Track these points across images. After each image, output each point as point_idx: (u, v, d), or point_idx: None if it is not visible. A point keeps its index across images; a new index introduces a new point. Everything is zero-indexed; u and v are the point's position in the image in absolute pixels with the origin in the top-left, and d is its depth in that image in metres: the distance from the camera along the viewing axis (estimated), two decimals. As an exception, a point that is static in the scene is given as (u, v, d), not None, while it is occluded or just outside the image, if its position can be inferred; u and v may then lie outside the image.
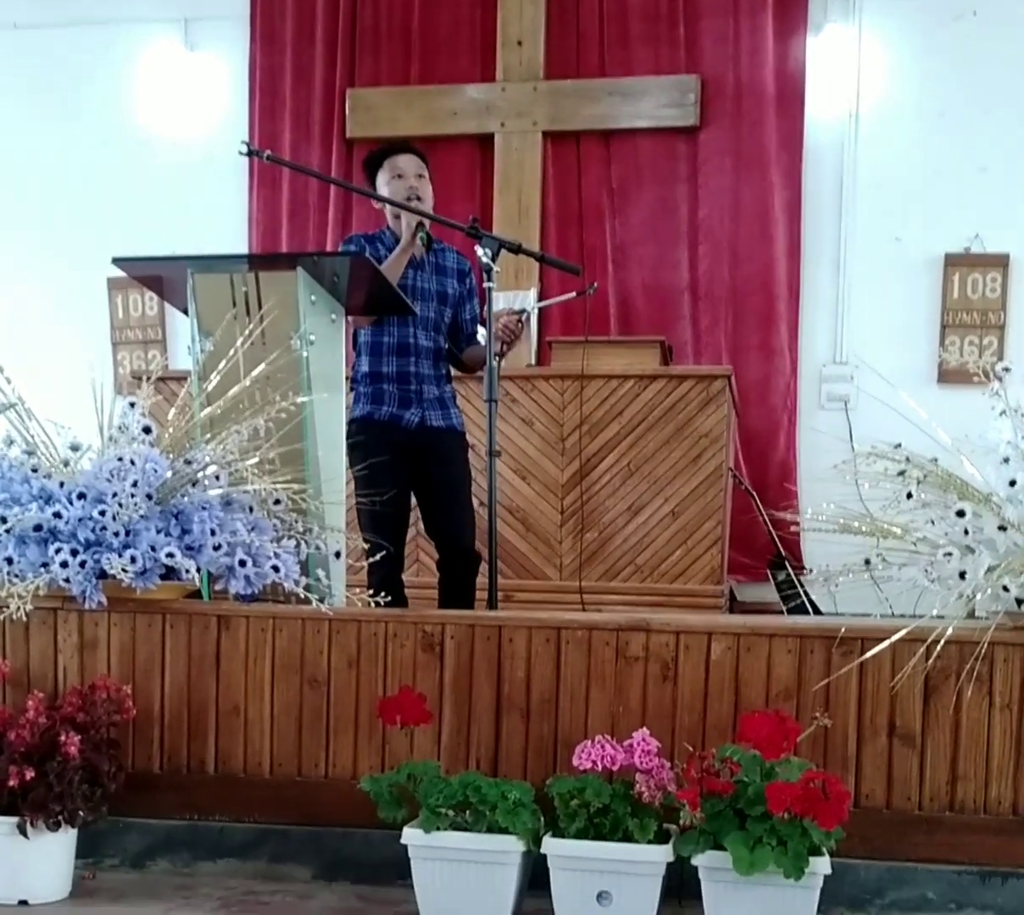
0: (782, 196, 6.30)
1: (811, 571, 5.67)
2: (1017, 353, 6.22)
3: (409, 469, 3.92)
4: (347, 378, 3.93)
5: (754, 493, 5.89)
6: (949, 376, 6.25)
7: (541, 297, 6.15)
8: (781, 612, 5.53)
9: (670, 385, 5.24)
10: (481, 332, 4.14)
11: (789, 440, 6.35)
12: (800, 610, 5.33)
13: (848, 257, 6.37)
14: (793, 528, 5.10)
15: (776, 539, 5.76)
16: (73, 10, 6.72)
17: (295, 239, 6.72)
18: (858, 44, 6.34)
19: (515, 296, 6.08)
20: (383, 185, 4.00)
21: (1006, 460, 2.72)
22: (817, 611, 5.24)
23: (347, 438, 3.80)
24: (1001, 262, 6.24)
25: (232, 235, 6.74)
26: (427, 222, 3.90)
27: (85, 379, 6.64)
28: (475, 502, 4.10)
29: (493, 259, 3.74)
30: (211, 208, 6.74)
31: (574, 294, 5.37)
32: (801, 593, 5.63)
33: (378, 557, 3.48)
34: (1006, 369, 2.78)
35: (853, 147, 6.37)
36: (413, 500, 4.04)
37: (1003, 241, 6.22)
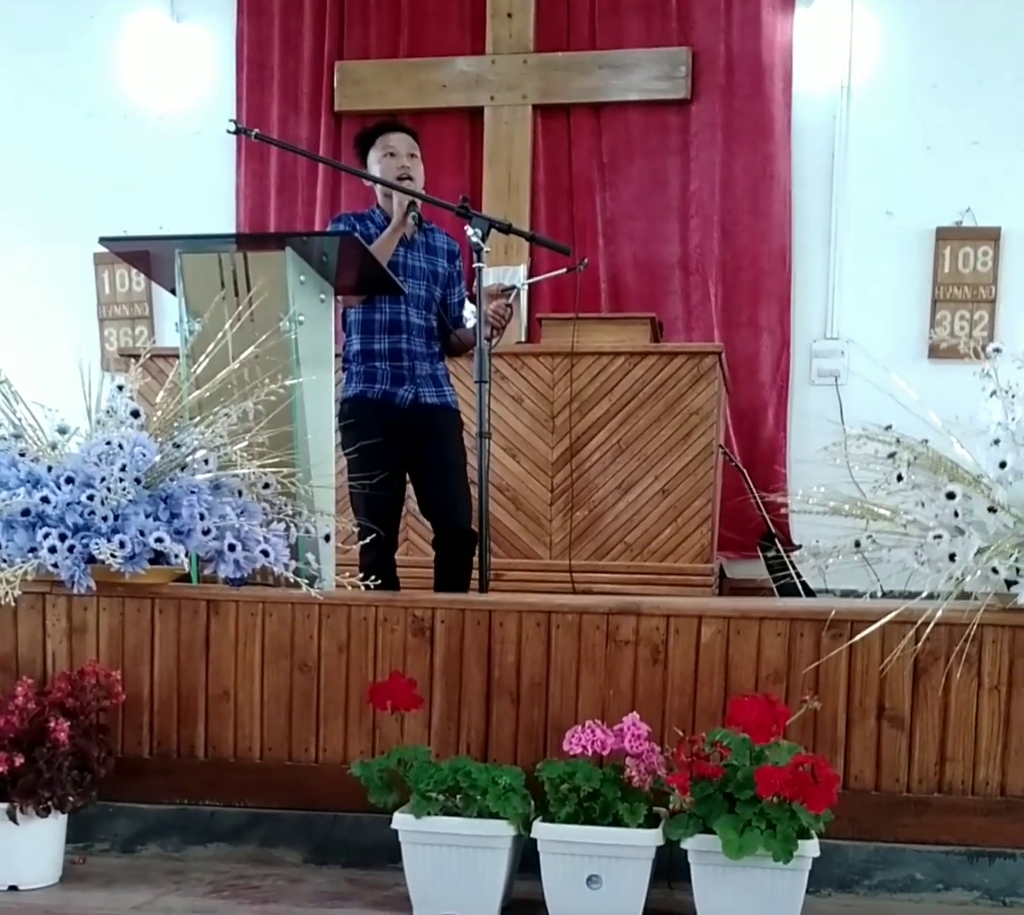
0: (773, 169, 6.25)
1: (800, 548, 5.72)
2: (1008, 328, 6.20)
3: (403, 448, 3.90)
4: (338, 356, 3.95)
5: (744, 470, 5.90)
6: (940, 351, 6.25)
7: (531, 273, 6.11)
8: (771, 590, 5.55)
9: (661, 362, 5.22)
10: (468, 316, 4.11)
11: (779, 416, 6.33)
12: (790, 588, 5.35)
13: (839, 231, 6.33)
14: (783, 510, 5.12)
15: (766, 517, 5.76)
16: (58, -18, 6.65)
17: (283, 214, 6.67)
18: (850, 15, 6.27)
19: (505, 272, 6.04)
20: (374, 163, 3.97)
21: (996, 441, 2.71)
22: (807, 589, 5.25)
23: (340, 418, 3.84)
24: (992, 236, 6.21)
25: (219, 210, 6.69)
26: (419, 202, 3.86)
27: (72, 356, 6.63)
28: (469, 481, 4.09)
29: (483, 239, 3.72)
30: (198, 182, 6.68)
31: (564, 270, 5.35)
32: (791, 571, 5.65)
33: (369, 539, 3.50)
34: (997, 350, 2.77)
35: (844, 120, 6.31)
36: (407, 479, 4.03)
37: (995, 215, 6.18)
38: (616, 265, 6.41)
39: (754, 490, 5.92)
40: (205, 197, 6.69)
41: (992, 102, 6.15)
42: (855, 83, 6.30)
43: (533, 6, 6.36)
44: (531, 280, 5.82)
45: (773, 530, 5.76)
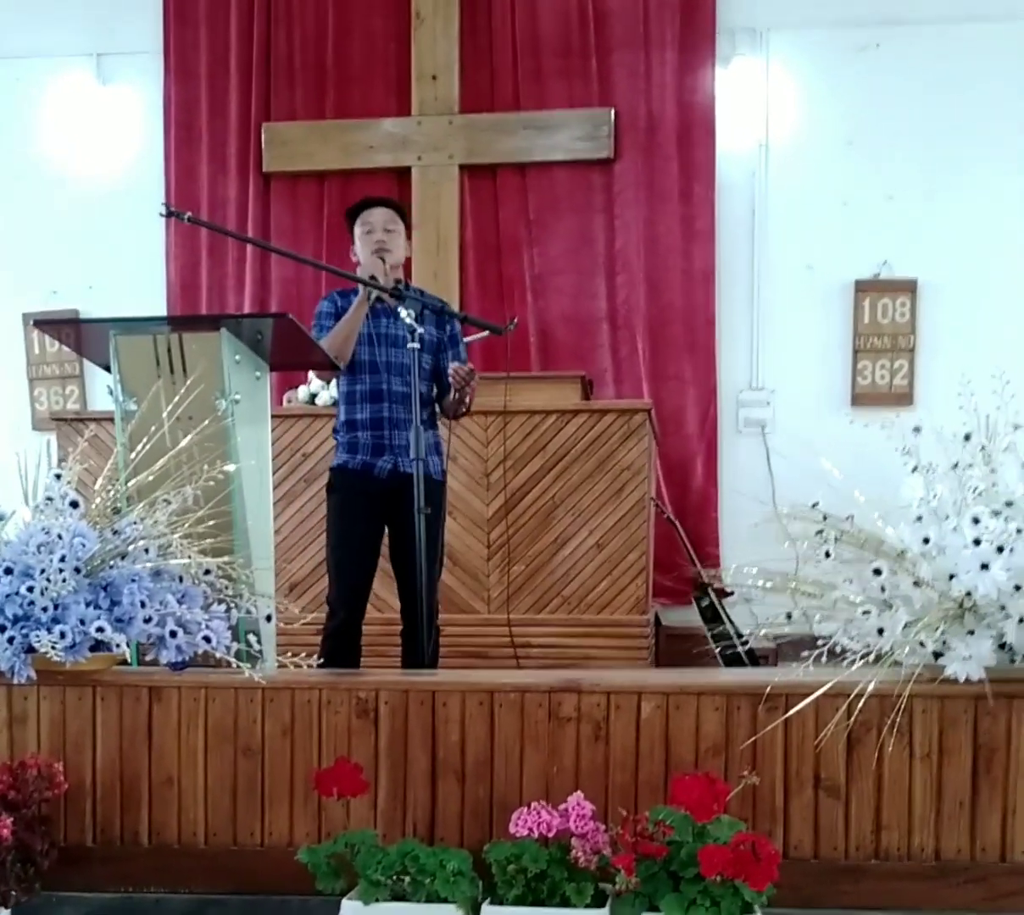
0: (696, 226, 6.42)
1: (732, 594, 5.83)
2: (926, 375, 6.41)
3: (381, 518, 3.97)
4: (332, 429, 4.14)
5: (676, 522, 6.00)
6: (862, 399, 6.43)
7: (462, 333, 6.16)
8: (705, 637, 5.63)
9: (591, 419, 5.32)
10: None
11: (709, 466, 6.47)
12: (724, 635, 5.43)
13: (761, 285, 6.50)
14: (717, 585, 5.21)
15: (698, 567, 5.86)
16: (-18, 44, 6.65)
17: (214, 273, 6.71)
18: (766, 76, 6.48)
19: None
20: (358, 237, 4.10)
21: (919, 518, 2.81)
22: (739, 635, 5.34)
23: (327, 486, 4.07)
24: (909, 287, 6.41)
25: (149, 269, 6.72)
26: (381, 279, 3.94)
27: (1, 417, 6.57)
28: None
29: (417, 319, 3.78)
30: (128, 243, 6.70)
31: (487, 334, 5.42)
32: (724, 618, 5.75)
33: (335, 605, 3.61)
34: (917, 429, 2.87)
35: (763, 177, 6.50)
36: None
37: (910, 266, 6.40)
38: (545, 320, 6.52)
39: (686, 541, 6.03)
40: (135, 257, 6.72)
41: (905, 158, 6.38)
42: (773, 141, 6.50)
43: (457, 68, 6.48)
44: (465, 339, 5.87)
45: (705, 578, 5.86)
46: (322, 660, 3.82)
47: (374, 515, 3.97)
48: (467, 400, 4.05)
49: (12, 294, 6.74)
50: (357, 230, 4.10)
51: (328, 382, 5.58)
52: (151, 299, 6.67)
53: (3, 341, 6.83)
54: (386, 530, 4.06)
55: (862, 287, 6.43)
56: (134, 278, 6.70)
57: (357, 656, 3.95)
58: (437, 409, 4.20)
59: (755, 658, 5.12)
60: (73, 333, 3.79)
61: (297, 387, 5.80)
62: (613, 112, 6.42)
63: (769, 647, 5.05)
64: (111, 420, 5.02)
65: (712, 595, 5.81)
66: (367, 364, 4.02)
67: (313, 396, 5.68)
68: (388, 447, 4.00)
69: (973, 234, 6.27)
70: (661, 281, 6.44)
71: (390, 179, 6.60)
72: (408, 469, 3.89)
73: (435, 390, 4.15)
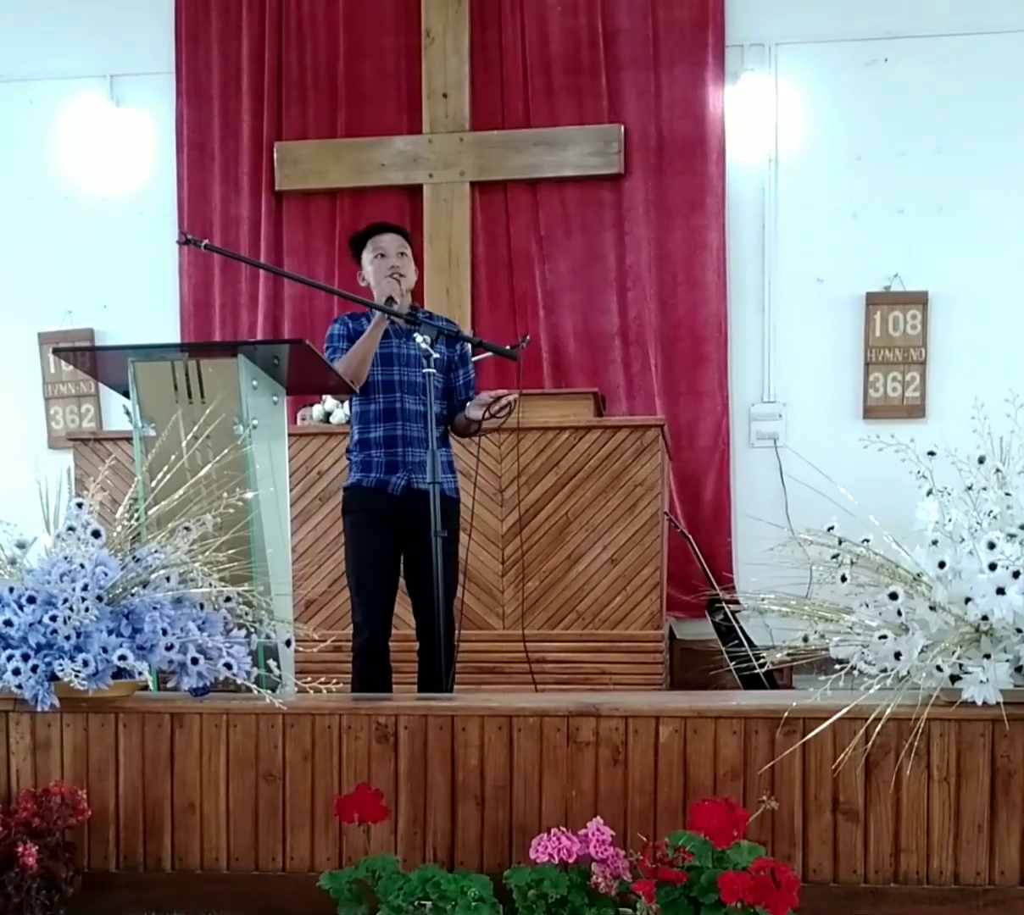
0: (707, 241, 6.43)
1: (744, 609, 5.84)
2: (938, 387, 6.42)
3: (396, 535, 3.99)
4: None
5: (690, 536, 6.01)
6: (874, 411, 6.44)
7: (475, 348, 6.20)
8: (719, 651, 5.64)
9: (605, 435, 5.34)
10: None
11: (721, 480, 6.48)
12: (739, 654, 5.43)
13: (772, 299, 6.52)
14: (733, 607, 5.22)
15: (712, 581, 5.87)
16: (-4, 68, 6.72)
17: (227, 291, 6.74)
18: (775, 91, 6.49)
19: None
20: (367, 264, 4.12)
21: (935, 542, 2.82)
22: (752, 646, 5.35)
23: (343, 505, 4.10)
24: (920, 300, 6.42)
25: (163, 289, 6.76)
26: (398, 301, 3.98)
27: (17, 436, 6.63)
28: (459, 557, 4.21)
29: (432, 345, 3.82)
30: (141, 262, 6.73)
31: (507, 348, 5.45)
32: (739, 633, 5.75)
33: (361, 623, 3.79)
34: (931, 453, 2.89)
35: (773, 191, 6.51)
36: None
37: (921, 280, 6.40)
38: (557, 336, 6.54)
39: (700, 555, 6.04)
40: (148, 276, 6.75)
41: (915, 172, 6.39)
42: (782, 155, 6.51)
43: (468, 86, 6.52)
44: (475, 358, 5.90)
45: (719, 592, 5.86)
46: (353, 679, 3.91)
47: (390, 532, 4.00)
48: (496, 425, 4.14)
49: (27, 314, 6.78)
50: (367, 256, 4.12)
51: (343, 401, 5.61)
52: (165, 318, 6.72)
53: (19, 360, 6.86)
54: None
55: (873, 300, 6.44)
56: (148, 297, 6.74)
57: (388, 673, 3.99)
58: (448, 428, 4.24)
59: (773, 680, 5.12)
60: (90, 359, 3.83)
61: (312, 405, 5.83)
62: (623, 128, 6.44)
63: (783, 661, 5.06)
64: (127, 439, 5.11)
65: (727, 611, 5.82)
66: (381, 384, 4.05)
67: (328, 414, 5.71)
68: (402, 464, 4.03)
69: (984, 247, 6.28)
70: (672, 296, 6.46)
71: (402, 197, 6.64)
72: (422, 486, 3.92)
73: (446, 409, 4.18)
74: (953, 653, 2.71)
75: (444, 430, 4.19)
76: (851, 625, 2.80)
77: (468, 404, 4.12)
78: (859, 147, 6.44)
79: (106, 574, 2.96)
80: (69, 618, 2.91)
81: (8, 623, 2.90)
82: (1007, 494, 2.89)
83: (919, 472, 2.90)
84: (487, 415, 4.06)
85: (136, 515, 3.15)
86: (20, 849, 2.75)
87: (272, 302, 6.69)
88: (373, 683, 3.88)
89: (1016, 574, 2.68)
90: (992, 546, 2.73)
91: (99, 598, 2.95)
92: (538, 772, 2.94)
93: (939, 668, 2.71)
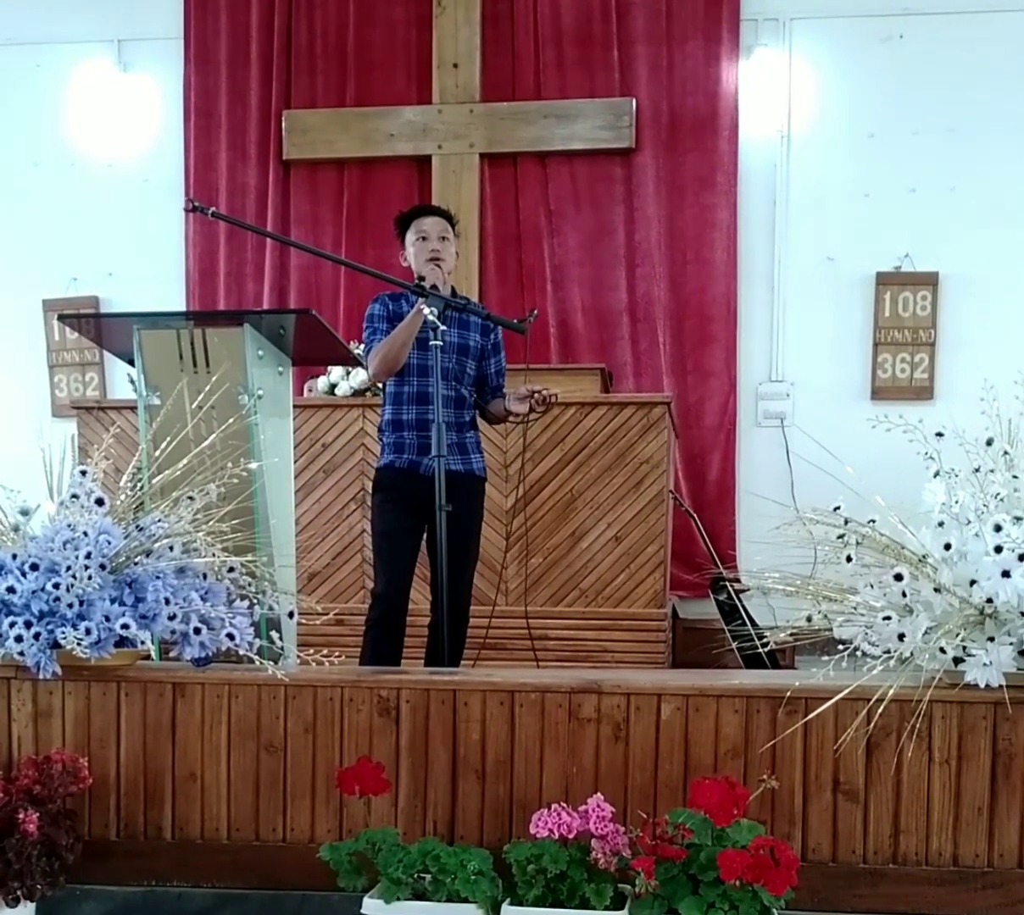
0: (717, 218, 6.40)
1: (750, 590, 5.84)
2: (947, 368, 6.40)
3: (423, 514, 4.00)
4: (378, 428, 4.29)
5: (694, 515, 6.00)
6: (882, 392, 6.42)
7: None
8: (722, 630, 5.64)
9: (611, 412, 5.32)
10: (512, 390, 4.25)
11: (727, 459, 6.47)
12: (742, 633, 5.44)
13: (782, 277, 6.49)
14: (732, 552, 5.20)
15: (716, 561, 5.87)
16: (4, 31, 6.65)
17: (232, 260, 6.71)
18: (788, 67, 6.46)
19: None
20: (410, 245, 4.17)
21: (941, 523, 2.81)
22: (755, 626, 5.35)
23: (373, 486, 4.22)
24: (930, 280, 6.39)
25: (168, 256, 6.73)
26: (442, 289, 4.04)
27: (21, 404, 6.62)
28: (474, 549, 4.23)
29: (439, 317, 3.80)
30: (147, 229, 6.72)
31: (515, 322, 5.42)
32: (742, 612, 5.76)
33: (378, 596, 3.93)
34: (939, 434, 2.87)
35: (785, 169, 6.48)
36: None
37: (932, 260, 6.37)
38: (565, 311, 6.51)
39: (704, 534, 6.03)
40: (154, 244, 6.73)
41: (927, 151, 6.36)
42: (795, 133, 6.47)
43: (479, 57, 6.47)
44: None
45: (723, 571, 5.86)
46: (364, 651, 3.98)
47: (417, 511, 4.03)
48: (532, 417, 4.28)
49: (32, 281, 6.77)
50: (410, 236, 4.16)
51: (348, 373, 5.59)
52: (170, 286, 6.70)
53: (23, 328, 6.85)
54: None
55: (883, 280, 6.41)
56: (153, 265, 6.72)
57: (401, 647, 4.03)
58: (476, 412, 4.32)
59: (776, 660, 5.12)
60: (95, 326, 3.80)
61: (317, 377, 5.81)
62: (634, 102, 6.39)
63: (786, 641, 5.06)
64: (130, 408, 5.10)
65: (730, 590, 5.81)
66: (416, 367, 4.10)
67: (333, 387, 5.69)
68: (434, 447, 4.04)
69: (996, 228, 6.25)
70: (682, 274, 6.44)
71: (410, 167, 6.61)
72: (454, 466, 4.04)
73: (475, 395, 4.27)
74: (957, 635, 2.70)
75: (473, 414, 4.28)
76: (855, 606, 2.79)
77: (508, 395, 4.20)
78: (872, 125, 6.41)
79: (109, 542, 2.95)
80: (72, 586, 2.90)
81: (11, 590, 2.89)
82: (1014, 477, 2.87)
83: (927, 453, 2.88)
84: (534, 414, 4.18)
85: (140, 484, 3.13)
86: (21, 816, 2.75)
87: (278, 272, 6.67)
88: (385, 656, 3.92)
89: (1022, 557, 2.67)
90: (998, 528, 2.72)
91: (102, 566, 2.94)
92: (539, 748, 2.93)
93: (942, 650, 2.69)
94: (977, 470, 2.93)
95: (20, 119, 6.77)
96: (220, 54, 6.65)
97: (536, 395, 4.07)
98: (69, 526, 3.00)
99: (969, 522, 2.84)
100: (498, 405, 4.24)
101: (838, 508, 2.90)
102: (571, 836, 2.66)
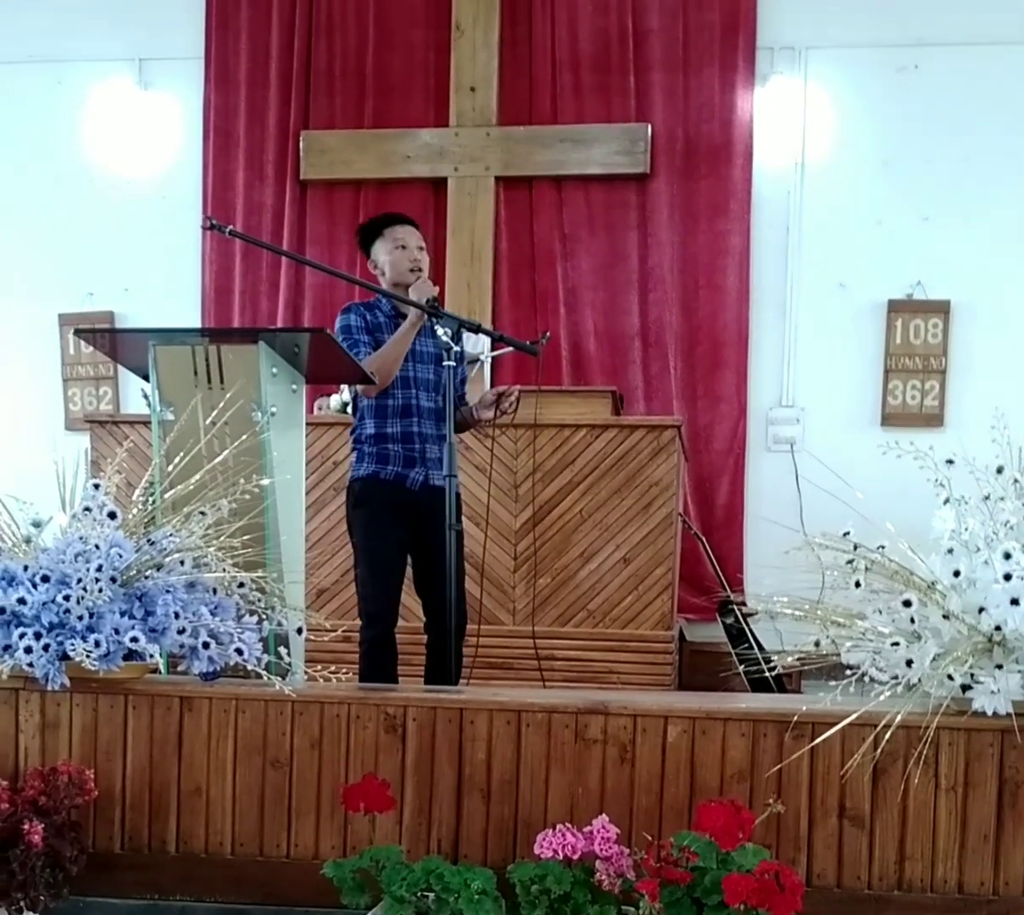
0: (730, 244, 6.43)
1: (757, 614, 5.83)
2: (957, 396, 6.41)
3: (410, 529, 3.99)
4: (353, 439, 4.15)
5: (703, 538, 6.01)
6: (892, 419, 6.43)
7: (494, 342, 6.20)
8: (729, 653, 5.64)
9: (621, 434, 5.33)
10: (470, 395, 4.24)
11: (736, 483, 6.48)
12: (749, 657, 5.43)
13: (794, 303, 6.51)
14: (744, 610, 5.20)
15: (724, 584, 5.87)
16: (26, 48, 6.72)
17: (248, 277, 6.76)
18: (803, 95, 6.49)
19: (468, 339, 6.12)
20: (383, 254, 4.07)
21: (950, 551, 2.81)
22: (762, 650, 5.33)
23: (353, 496, 4.04)
24: (942, 308, 6.40)
25: (185, 273, 6.77)
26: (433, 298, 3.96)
27: (35, 417, 6.65)
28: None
29: (452, 338, 3.82)
30: (164, 246, 6.76)
31: (528, 343, 5.45)
32: (749, 636, 5.75)
33: (370, 617, 3.80)
34: (949, 461, 2.88)
35: (798, 196, 6.51)
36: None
37: (944, 288, 6.39)
38: (577, 334, 6.54)
39: (712, 557, 6.03)
40: (170, 260, 6.78)
41: (940, 180, 6.38)
42: (809, 160, 6.50)
43: (496, 81, 6.52)
44: (494, 353, 5.90)
45: (731, 595, 5.85)
46: (363, 670, 3.89)
47: (405, 525, 3.99)
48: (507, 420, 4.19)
49: (48, 295, 6.81)
50: (384, 245, 4.06)
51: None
52: (186, 302, 6.74)
53: (38, 342, 6.89)
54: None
55: (895, 307, 6.43)
56: (169, 281, 6.76)
57: (395, 665, 3.99)
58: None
59: (782, 684, 5.11)
60: (110, 341, 3.83)
61: (329, 395, 5.83)
62: (650, 128, 6.43)
63: (793, 666, 5.05)
64: (144, 423, 5.12)
65: (737, 613, 5.81)
66: (398, 379, 4.02)
67: (345, 404, 5.71)
68: (419, 460, 4.02)
69: (1008, 256, 6.27)
70: (694, 300, 6.47)
71: (426, 189, 6.65)
72: (438, 481, 3.93)
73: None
74: (965, 662, 2.70)
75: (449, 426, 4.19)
76: (863, 631, 2.79)
77: (474, 406, 4.15)
78: (886, 153, 6.43)
79: (121, 556, 2.97)
80: (82, 598, 2.91)
81: (22, 601, 2.91)
82: (1025, 505, 2.88)
83: (937, 480, 2.88)
84: (498, 413, 4.09)
85: (152, 498, 3.15)
86: (26, 827, 2.76)
87: (293, 290, 6.70)
88: (388, 677, 3.88)
89: (1031, 585, 2.67)
90: (1008, 556, 2.72)
91: (113, 579, 2.96)
92: (545, 768, 2.94)
93: (950, 677, 2.70)
94: (987, 498, 2.93)
95: (40, 135, 6.83)
96: (240, 74, 6.70)
97: (502, 397, 4.02)
98: (81, 539, 3.01)
99: (978, 549, 2.84)
100: (464, 413, 4.17)
101: (848, 533, 2.91)
102: (575, 857, 2.66)
